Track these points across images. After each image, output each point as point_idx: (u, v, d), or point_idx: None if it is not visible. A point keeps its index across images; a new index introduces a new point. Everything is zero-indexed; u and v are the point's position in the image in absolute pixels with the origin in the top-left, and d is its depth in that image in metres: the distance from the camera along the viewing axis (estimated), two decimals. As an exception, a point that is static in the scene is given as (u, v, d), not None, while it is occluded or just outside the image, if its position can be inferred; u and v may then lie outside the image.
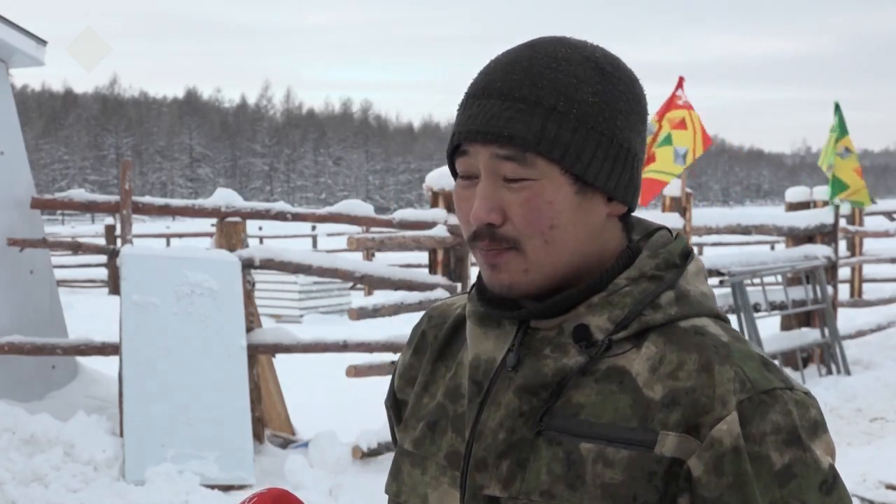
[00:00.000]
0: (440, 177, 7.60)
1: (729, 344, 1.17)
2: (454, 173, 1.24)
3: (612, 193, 1.20)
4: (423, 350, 1.38)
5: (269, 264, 7.23)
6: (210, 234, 11.48)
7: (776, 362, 1.25)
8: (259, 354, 7.18)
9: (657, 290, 1.20)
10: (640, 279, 1.21)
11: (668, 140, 8.77)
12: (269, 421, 7.48)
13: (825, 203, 10.86)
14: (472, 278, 8.21)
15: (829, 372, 10.23)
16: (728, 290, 9.55)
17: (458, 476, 1.24)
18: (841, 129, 10.53)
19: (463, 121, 1.20)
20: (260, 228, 29.64)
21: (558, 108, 1.16)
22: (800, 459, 1.12)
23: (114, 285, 18.98)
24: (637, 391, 1.16)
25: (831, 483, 1.13)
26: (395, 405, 1.43)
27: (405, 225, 7.69)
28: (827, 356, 10.37)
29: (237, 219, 7.32)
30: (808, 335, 10.26)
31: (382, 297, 7.99)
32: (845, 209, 10.69)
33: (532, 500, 1.17)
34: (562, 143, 1.16)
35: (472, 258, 7.80)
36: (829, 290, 10.53)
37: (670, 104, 8.91)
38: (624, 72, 1.22)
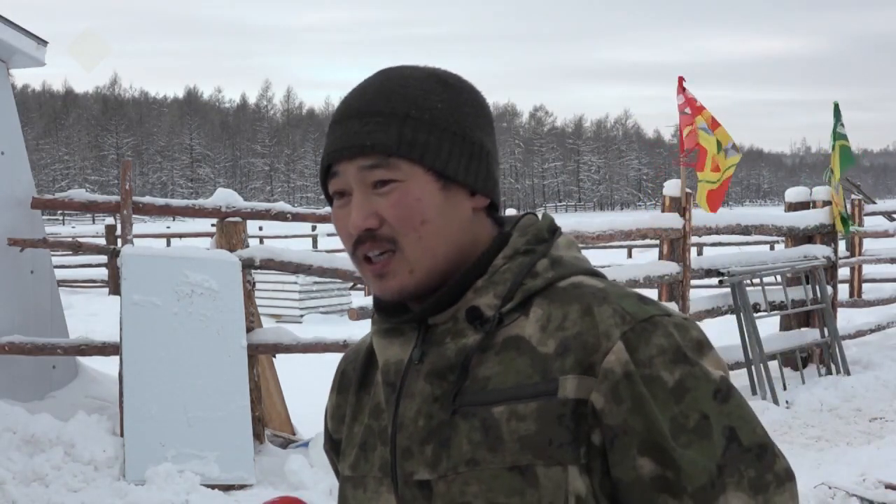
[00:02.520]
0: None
1: (605, 288, 1.27)
2: (329, 199, 1.32)
3: (473, 187, 1.30)
4: (346, 388, 1.44)
5: (269, 264, 7.23)
6: (210, 234, 11.46)
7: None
8: (259, 354, 7.18)
9: (532, 261, 1.29)
10: (516, 255, 1.30)
11: (717, 145, 9.16)
12: (269, 421, 7.49)
13: (825, 203, 10.85)
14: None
15: (829, 372, 10.22)
16: (727, 290, 9.56)
17: (391, 473, 1.29)
18: (842, 152, 10.67)
19: (329, 144, 1.30)
20: (260, 228, 29.63)
21: (412, 115, 1.27)
22: (689, 374, 1.20)
23: (114, 285, 18.98)
24: (533, 351, 1.24)
25: (725, 392, 1.21)
26: (334, 447, 1.48)
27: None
28: (826, 356, 10.36)
29: (237, 219, 7.33)
30: (808, 335, 10.26)
31: (382, 297, 7.98)
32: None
33: (459, 473, 1.23)
34: (420, 144, 1.26)
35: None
36: (829, 290, 10.52)
37: (693, 108, 9.09)
38: (465, 84, 1.34)
